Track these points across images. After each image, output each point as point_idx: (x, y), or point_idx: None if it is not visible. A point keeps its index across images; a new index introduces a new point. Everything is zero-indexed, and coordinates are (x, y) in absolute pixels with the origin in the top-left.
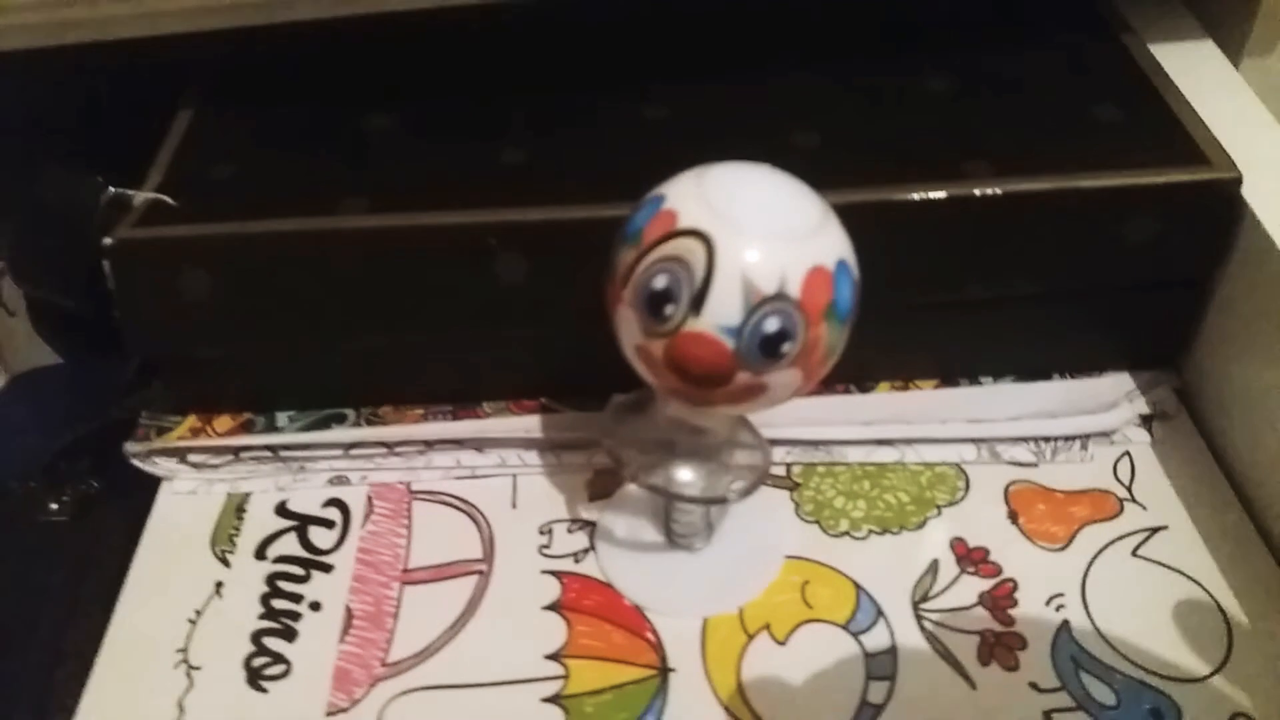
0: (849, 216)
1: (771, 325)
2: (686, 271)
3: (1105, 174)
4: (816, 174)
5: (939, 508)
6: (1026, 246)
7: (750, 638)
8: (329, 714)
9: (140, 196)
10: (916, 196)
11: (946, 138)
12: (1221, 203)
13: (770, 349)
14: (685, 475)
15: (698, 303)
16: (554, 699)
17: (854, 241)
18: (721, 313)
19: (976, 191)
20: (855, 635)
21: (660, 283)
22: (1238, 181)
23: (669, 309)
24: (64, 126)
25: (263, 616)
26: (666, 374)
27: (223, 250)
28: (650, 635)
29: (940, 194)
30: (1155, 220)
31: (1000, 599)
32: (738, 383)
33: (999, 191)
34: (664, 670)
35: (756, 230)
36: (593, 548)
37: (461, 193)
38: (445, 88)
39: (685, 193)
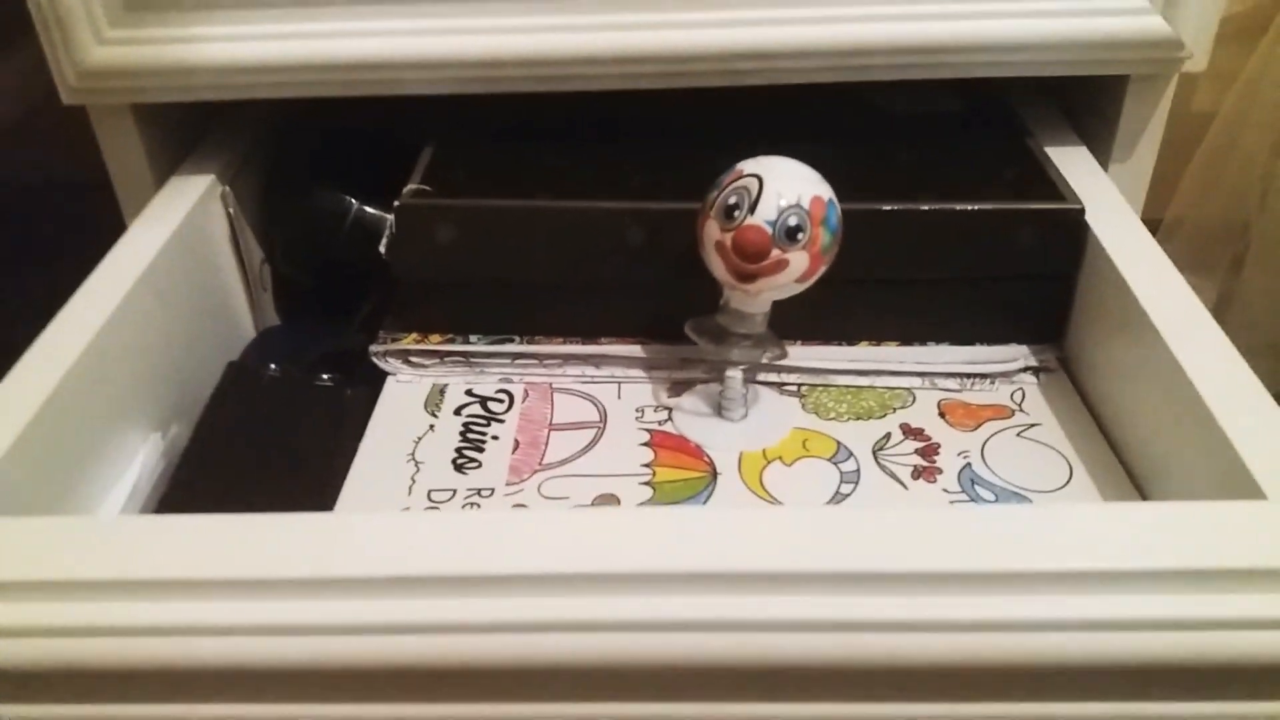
0: (854, 219)
1: (793, 220)
2: (747, 194)
3: (1004, 201)
4: (843, 193)
5: (894, 409)
6: (956, 245)
7: (768, 462)
8: (507, 484)
9: (410, 187)
10: (885, 207)
11: (906, 179)
12: (1074, 222)
13: (792, 235)
14: (734, 354)
15: (753, 208)
16: (646, 483)
17: (849, 235)
18: (765, 212)
19: (923, 206)
20: (835, 463)
21: (732, 199)
22: (1081, 210)
23: (737, 213)
24: (331, 159)
25: (460, 440)
26: (731, 255)
27: (460, 214)
28: (705, 458)
29: (898, 207)
30: (1034, 232)
31: (928, 451)
32: (772, 258)
33: (937, 207)
34: (714, 474)
35: (785, 173)
36: (670, 418)
37: (607, 189)
38: (600, 127)
39: (746, 161)
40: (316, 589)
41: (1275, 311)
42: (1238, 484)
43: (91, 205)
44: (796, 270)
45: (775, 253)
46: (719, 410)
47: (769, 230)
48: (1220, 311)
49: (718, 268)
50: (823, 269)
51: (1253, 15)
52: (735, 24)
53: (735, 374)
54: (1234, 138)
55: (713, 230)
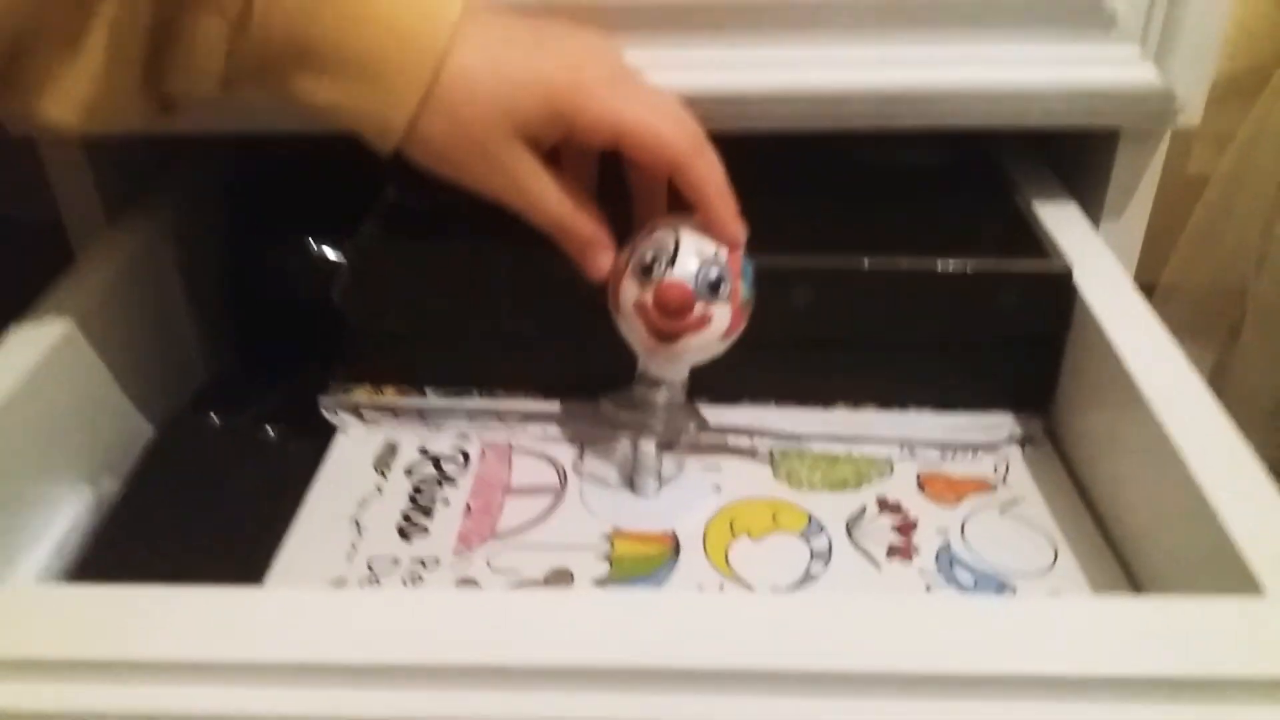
0: (830, 278)
1: (713, 273)
2: (664, 249)
3: (989, 261)
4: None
5: (871, 479)
6: (937, 306)
7: (735, 537)
8: (454, 553)
9: (365, 228)
10: (865, 265)
11: (887, 235)
12: (1061, 284)
13: (714, 289)
14: (654, 425)
15: (672, 263)
16: (605, 556)
17: (825, 294)
18: (685, 266)
19: (904, 265)
20: (806, 539)
21: (649, 255)
22: (1069, 271)
23: (656, 269)
24: (289, 196)
25: (409, 504)
26: (652, 314)
27: (418, 258)
28: (668, 532)
29: (877, 265)
30: (1019, 294)
31: (904, 528)
32: (695, 312)
33: (918, 267)
34: (676, 549)
35: (700, 226)
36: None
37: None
38: None
39: (657, 219)
40: (229, 673)
41: (1272, 379)
42: (1232, 575)
43: (43, 244)
44: (720, 326)
45: (699, 307)
46: (629, 482)
47: (691, 284)
48: (1217, 379)
49: (637, 330)
50: (743, 325)
51: (1248, 75)
52: (706, 66)
53: (648, 446)
54: (1230, 201)
55: (630, 290)
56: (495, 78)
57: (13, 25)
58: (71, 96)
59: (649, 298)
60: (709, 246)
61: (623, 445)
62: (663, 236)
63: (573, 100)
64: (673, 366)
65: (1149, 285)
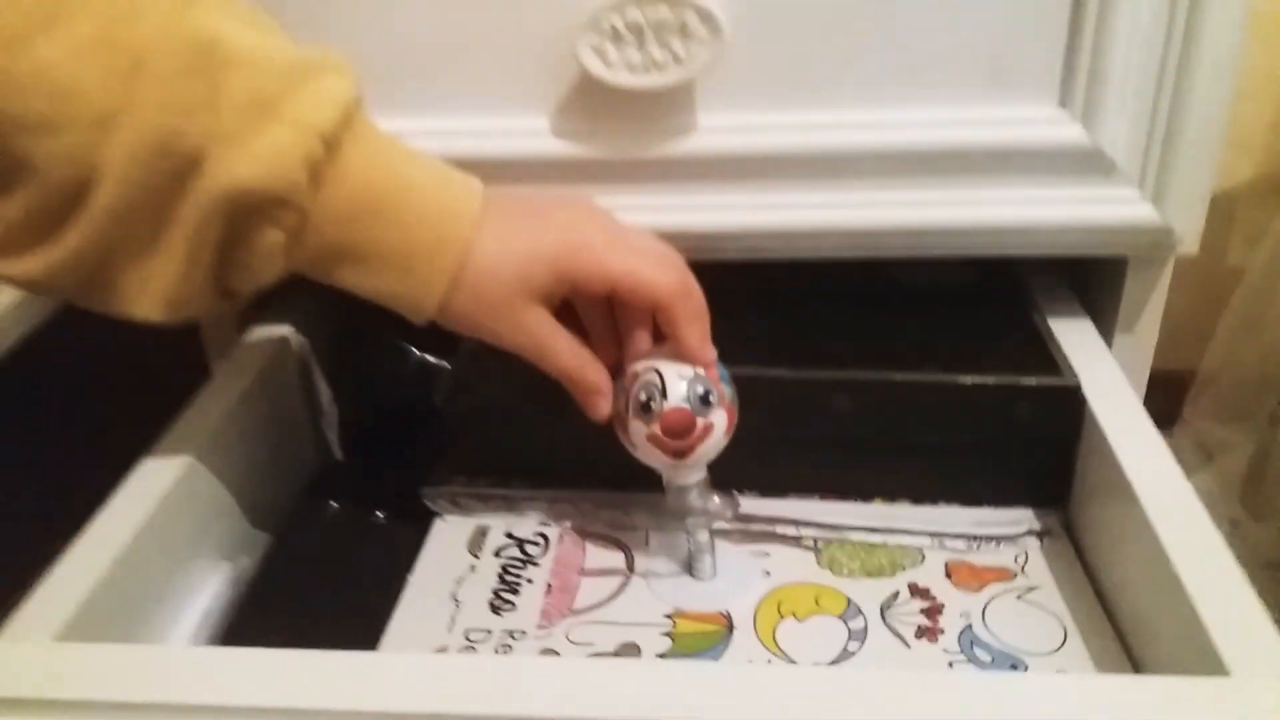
0: (865, 388)
1: (700, 388)
2: (654, 386)
3: (1005, 375)
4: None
5: (904, 567)
6: (960, 414)
7: (782, 618)
8: (538, 627)
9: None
10: (897, 378)
11: (918, 350)
12: (1070, 397)
13: (705, 401)
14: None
15: (664, 394)
16: (667, 634)
17: (862, 402)
18: (676, 393)
19: (929, 378)
20: (844, 621)
21: (643, 396)
22: (1077, 386)
23: (654, 405)
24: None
25: (498, 582)
26: (664, 441)
27: (514, 372)
28: (723, 613)
29: (906, 377)
30: (1032, 406)
31: (932, 611)
32: (698, 427)
33: (942, 380)
34: (730, 628)
35: (672, 355)
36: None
37: None
38: None
39: (633, 363)
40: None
41: None
42: (1207, 658)
43: (177, 346)
44: (721, 427)
45: (699, 421)
46: (688, 567)
47: (687, 406)
48: (1259, 465)
49: (655, 457)
50: (736, 416)
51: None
52: (761, 208)
53: (702, 535)
54: (1268, 291)
55: (639, 429)
56: (510, 256)
57: (106, 239)
58: (153, 296)
59: (657, 429)
60: (687, 369)
61: (680, 535)
62: (648, 376)
63: (574, 262)
64: (693, 473)
65: (1190, 373)
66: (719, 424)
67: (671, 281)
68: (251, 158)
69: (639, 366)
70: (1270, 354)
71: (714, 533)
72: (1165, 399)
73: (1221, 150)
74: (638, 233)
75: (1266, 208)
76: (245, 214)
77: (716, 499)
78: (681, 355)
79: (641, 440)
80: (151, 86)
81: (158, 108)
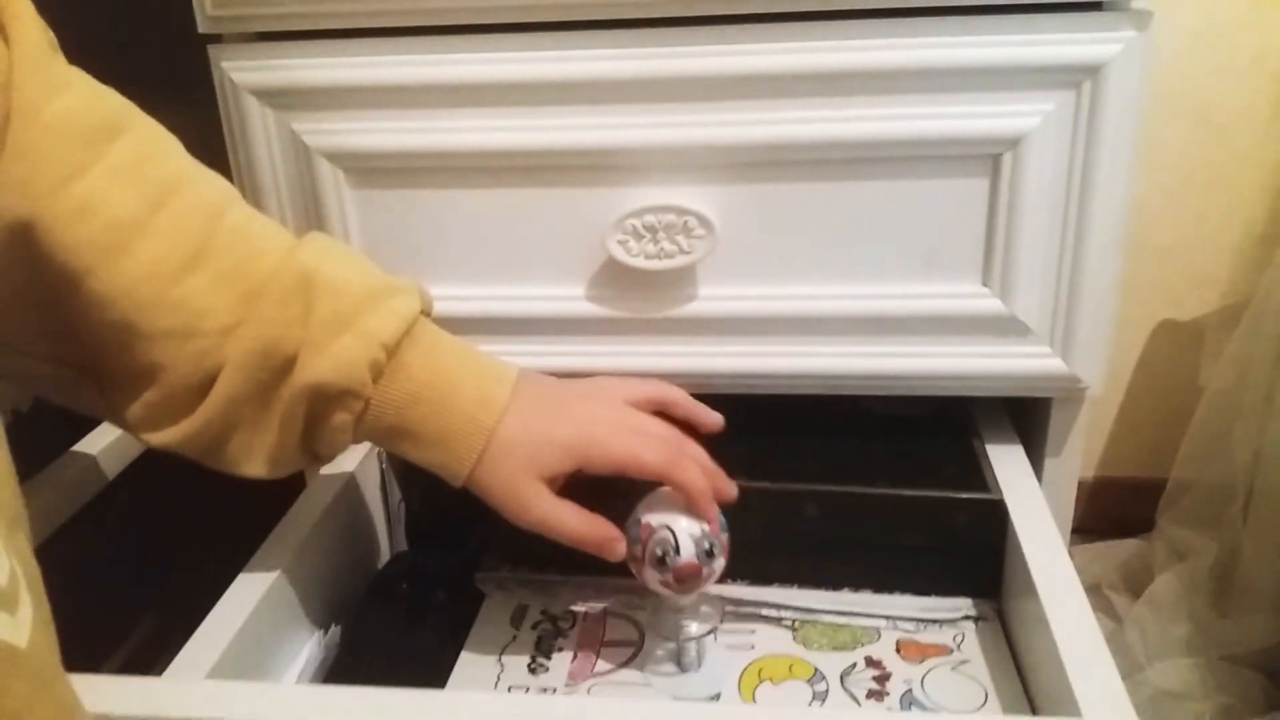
0: (830, 498)
1: (707, 545)
2: (668, 543)
3: (944, 490)
4: (824, 478)
5: (864, 644)
6: (907, 521)
7: (760, 681)
8: (565, 686)
9: None
10: (855, 490)
11: (874, 468)
12: (997, 510)
13: (710, 554)
14: (693, 629)
15: (677, 550)
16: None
17: (828, 510)
18: (687, 551)
19: (880, 491)
20: (810, 685)
21: (659, 552)
22: (1000, 500)
23: (668, 560)
24: None
25: (534, 649)
26: (674, 585)
27: None
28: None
29: (862, 490)
30: (965, 515)
31: (882, 678)
32: (704, 576)
33: (891, 493)
34: (717, 695)
35: (680, 512)
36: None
37: None
38: None
39: (645, 515)
40: None
41: (1272, 568)
42: (1069, 706)
43: None
44: (719, 570)
45: (705, 571)
46: (678, 661)
47: (697, 561)
48: (1224, 567)
49: (663, 594)
50: (729, 550)
51: (1240, 306)
52: (748, 356)
53: (691, 631)
54: (1229, 408)
55: (653, 575)
56: (527, 438)
57: (224, 418)
58: (258, 459)
59: (670, 578)
60: (696, 527)
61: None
62: (662, 534)
63: (584, 452)
64: (687, 599)
65: (1162, 480)
66: (719, 569)
67: (667, 459)
68: (329, 361)
69: (653, 521)
70: (1232, 465)
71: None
72: (1146, 504)
73: (1188, 285)
74: (641, 417)
75: (1228, 332)
76: (323, 401)
77: (705, 606)
78: (693, 510)
79: (655, 585)
80: (265, 307)
81: (268, 323)
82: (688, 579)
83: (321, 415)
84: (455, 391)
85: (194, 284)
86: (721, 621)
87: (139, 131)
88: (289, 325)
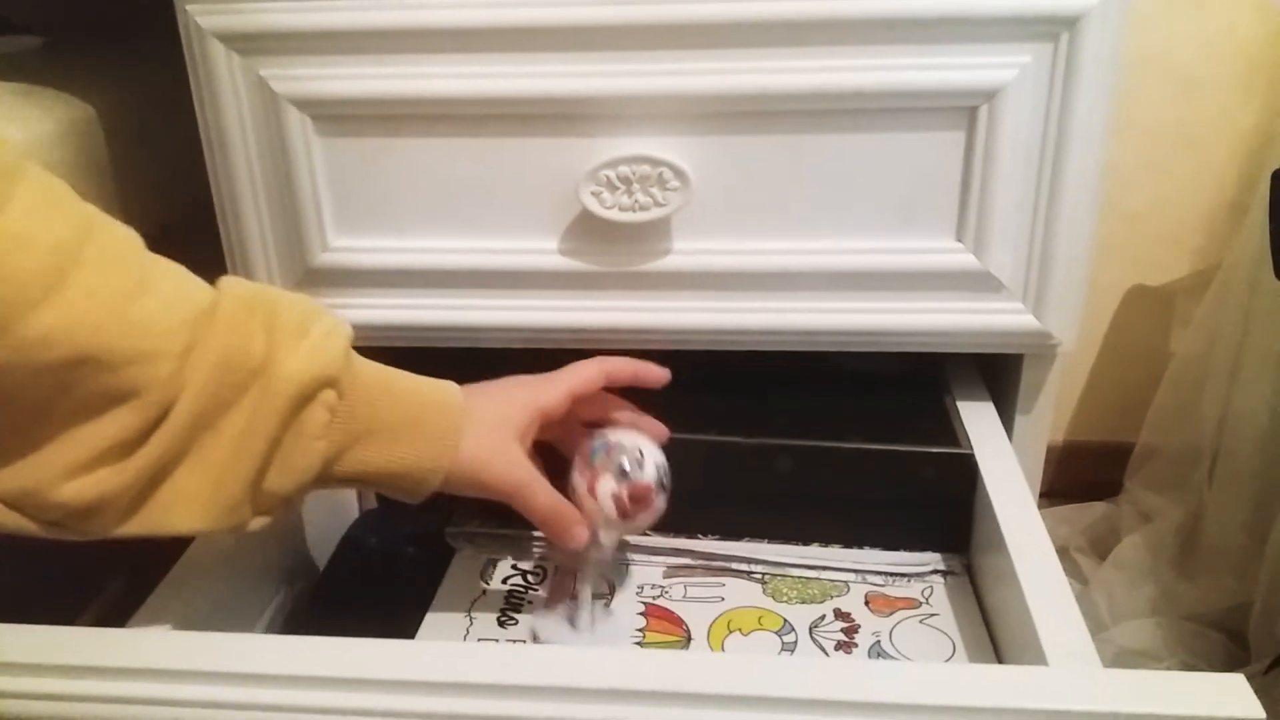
0: (804, 453)
1: (664, 475)
2: (635, 461)
3: (914, 445)
4: (798, 433)
5: (832, 597)
6: (877, 475)
7: (730, 632)
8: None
9: None
10: (825, 444)
11: (847, 423)
12: (967, 464)
13: (664, 487)
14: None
15: (640, 466)
16: (638, 643)
17: (801, 464)
18: (649, 472)
19: (851, 445)
20: (779, 636)
21: (625, 462)
22: (972, 455)
23: (628, 473)
24: None
25: (504, 603)
26: (624, 501)
27: None
28: (684, 627)
29: (834, 445)
30: (935, 470)
31: (850, 630)
32: (651, 503)
33: (862, 447)
34: (689, 639)
35: (647, 440)
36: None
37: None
38: None
39: (613, 432)
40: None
41: (1235, 531)
42: (1035, 655)
43: None
44: (659, 510)
45: (654, 500)
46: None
47: (652, 485)
48: (1188, 530)
49: (602, 509)
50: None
51: (1211, 272)
52: (722, 311)
53: (585, 593)
54: (1197, 374)
55: (607, 486)
56: (494, 407)
57: (175, 449)
58: (194, 505)
59: (625, 492)
60: (661, 458)
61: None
62: (633, 451)
63: (539, 402)
64: (618, 537)
65: (1130, 444)
66: (659, 508)
67: (600, 361)
68: (304, 358)
69: (624, 440)
70: (1199, 429)
71: (596, 598)
72: (1114, 468)
73: (1160, 250)
74: (569, 371)
75: (1197, 299)
76: (300, 402)
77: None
78: (640, 424)
79: (605, 493)
80: (218, 325)
81: (226, 336)
82: (640, 499)
83: (294, 425)
84: (414, 384)
85: (148, 305)
86: (610, 598)
87: (39, 177)
88: (250, 336)
